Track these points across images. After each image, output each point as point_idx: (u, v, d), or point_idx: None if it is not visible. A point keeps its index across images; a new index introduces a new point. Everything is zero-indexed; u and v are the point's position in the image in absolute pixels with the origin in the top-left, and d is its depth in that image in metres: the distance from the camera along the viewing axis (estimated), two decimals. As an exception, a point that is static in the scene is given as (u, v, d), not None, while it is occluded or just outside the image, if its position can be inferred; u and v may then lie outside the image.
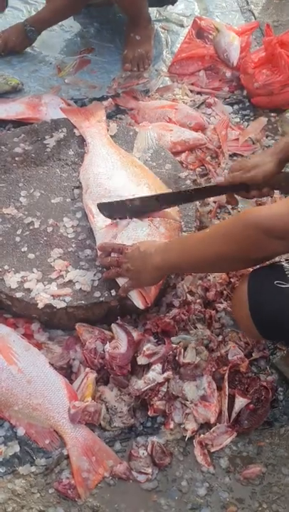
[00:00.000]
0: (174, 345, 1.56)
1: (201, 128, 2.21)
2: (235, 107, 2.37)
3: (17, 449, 1.47)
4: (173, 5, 2.73)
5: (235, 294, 1.51)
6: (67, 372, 1.58)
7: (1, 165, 1.92)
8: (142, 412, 1.52)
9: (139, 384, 1.49)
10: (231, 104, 2.38)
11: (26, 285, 1.60)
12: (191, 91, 2.41)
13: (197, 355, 1.55)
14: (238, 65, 2.43)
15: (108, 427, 1.49)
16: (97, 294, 1.59)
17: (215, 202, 1.98)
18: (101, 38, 2.67)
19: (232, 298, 1.60)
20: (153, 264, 1.48)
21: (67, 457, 1.45)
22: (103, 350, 1.54)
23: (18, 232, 1.74)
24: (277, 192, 2.03)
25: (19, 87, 2.41)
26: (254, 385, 1.53)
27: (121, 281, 1.56)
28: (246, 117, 2.33)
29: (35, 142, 1.99)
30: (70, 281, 1.62)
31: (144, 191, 1.75)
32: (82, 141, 1.99)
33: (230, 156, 2.16)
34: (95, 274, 1.63)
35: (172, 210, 1.75)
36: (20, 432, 1.49)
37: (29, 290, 1.60)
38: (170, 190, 1.80)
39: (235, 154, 2.18)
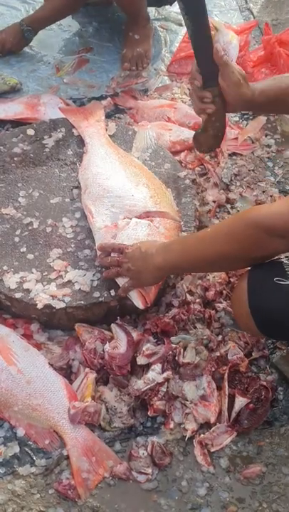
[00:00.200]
0: (173, 345, 1.56)
1: (200, 127, 2.21)
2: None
3: (17, 449, 1.46)
4: (171, 4, 2.73)
5: (234, 292, 1.51)
6: (67, 373, 1.58)
7: (0, 165, 1.91)
8: (142, 412, 1.52)
9: (139, 384, 1.49)
10: (230, 104, 2.37)
11: (25, 285, 1.60)
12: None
13: (197, 354, 1.55)
14: (237, 63, 2.40)
15: (108, 427, 1.49)
16: (96, 294, 1.59)
17: (214, 202, 1.98)
18: (100, 37, 2.67)
19: (231, 296, 1.60)
20: (154, 264, 1.48)
21: (67, 458, 1.45)
22: (103, 351, 1.54)
23: (17, 232, 1.73)
24: (276, 191, 2.04)
25: (18, 87, 2.40)
26: (254, 385, 1.53)
27: (121, 281, 1.56)
28: (245, 116, 2.33)
29: (33, 142, 1.99)
30: (70, 281, 1.62)
31: (143, 191, 1.75)
32: (81, 141, 1.99)
33: (229, 155, 2.16)
34: (94, 274, 1.63)
35: (171, 210, 1.75)
36: (20, 432, 1.48)
37: (28, 290, 1.60)
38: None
39: (234, 153, 2.18)
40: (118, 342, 1.54)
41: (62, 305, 1.56)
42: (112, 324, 1.59)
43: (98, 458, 1.44)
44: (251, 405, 1.49)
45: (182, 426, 1.50)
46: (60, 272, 1.64)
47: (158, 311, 1.67)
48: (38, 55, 2.58)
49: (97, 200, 1.73)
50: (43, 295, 1.58)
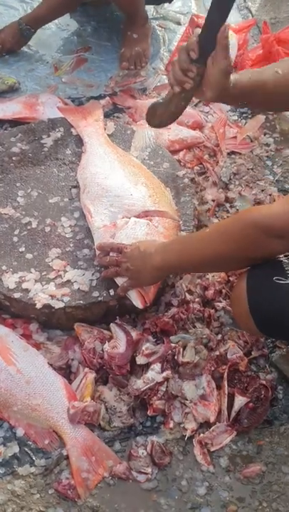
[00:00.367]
0: (173, 345, 1.55)
1: (198, 126, 2.21)
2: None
3: (16, 449, 1.46)
4: (170, 3, 2.72)
5: (233, 291, 1.50)
6: (66, 373, 1.58)
7: (-1, 165, 1.92)
8: (142, 412, 1.52)
9: (139, 383, 1.49)
10: (229, 102, 2.37)
11: (24, 285, 1.60)
12: (189, 89, 2.40)
13: (196, 354, 1.55)
14: (236, 62, 2.42)
15: (107, 427, 1.49)
16: (95, 293, 1.59)
17: (213, 200, 1.98)
18: (98, 36, 2.67)
19: (231, 295, 1.60)
20: (153, 264, 1.47)
21: (67, 457, 1.45)
22: (102, 350, 1.54)
23: (16, 232, 1.73)
24: (275, 190, 2.03)
25: (16, 87, 2.40)
26: (253, 384, 1.53)
27: (120, 281, 1.56)
28: (244, 115, 2.33)
29: (32, 142, 1.99)
30: (69, 281, 1.61)
31: (142, 190, 1.75)
32: (79, 141, 1.98)
33: (228, 154, 2.16)
34: (93, 274, 1.63)
35: (170, 209, 1.75)
36: (20, 432, 1.48)
37: (27, 290, 1.59)
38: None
39: (233, 152, 2.18)
40: (117, 341, 1.54)
41: (62, 305, 1.56)
42: (112, 324, 1.59)
43: (98, 458, 1.44)
44: (251, 404, 1.49)
45: (182, 425, 1.49)
46: (59, 271, 1.64)
47: (157, 311, 1.67)
48: (36, 54, 2.58)
49: (95, 199, 1.73)
50: (42, 295, 1.58)
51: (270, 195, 2.02)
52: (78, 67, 2.54)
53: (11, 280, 1.61)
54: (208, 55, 1.44)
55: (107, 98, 2.34)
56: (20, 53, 2.56)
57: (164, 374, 1.51)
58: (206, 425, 1.50)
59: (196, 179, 2.03)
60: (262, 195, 2.02)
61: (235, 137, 2.21)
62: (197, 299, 1.69)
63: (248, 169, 2.12)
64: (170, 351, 1.54)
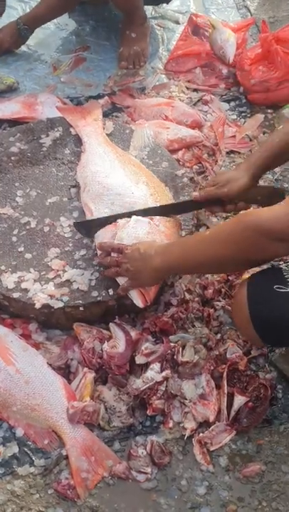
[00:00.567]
0: (172, 344, 1.55)
1: (197, 125, 2.21)
2: (232, 103, 2.36)
3: (16, 449, 1.46)
4: (168, 3, 2.72)
5: (234, 300, 1.51)
6: (66, 372, 1.58)
7: (-3, 165, 1.91)
8: (141, 412, 1.52)
9: (138, 383, 1.49)
10: (228, 101, 2.37)
11: (23, 285, 1.60)
12: (188, 88, 2.40)
13: (195, 353, 1.55)
14: (235, 61, 2.42)
15: (107, 427, 1.49)
16: (94, 293, 1.59)
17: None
18: (97, 36, 2.66)
19: (232, 304, 1.60)
20: (152, 265, 1.48)
21: (66, 457, 1.45)
22: (101, 350, 1.53)
23: (15, 232, 1.73)
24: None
25: (15, 86, 2.40)
26: (253, 383, 1.53)
27: (121, 281, 1.56)
28: (243, 114, 2.33)
29: (31, 141, 1.98)
30: (68, 280, 1.61)
31: (143, 189, 1.75)
32: (78, 140, 1.98)
33: (227, 153, 2.16)
34: (92, 274, 1.62)
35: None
36: (19, 432, 1.48)
37: (26, 290, 1.59)
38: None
39: (232, 151, 2.17)
40: (117, 341, 1.54)
41: (61, 304, 1.56)
42: (111, 323, 1.59)
43: (97, 457, 1.43)
44: (250, 404, 1.49)
45: (181, 425, 1.49)
46: (58, 271, 1.63)
47: (156, 310, 1.67)
48: (34, 54, 2.58)
49: (96, 198, 1.73)
50: (41, 295, 1.57)
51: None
52: (77, 66, 2.54)
53: (10, 280, 1.61)
54: (217, 202, 1.67)
55: (106, 97, 2.34)
56: (18, 53, 2.56)
57: (164, 373, 1.51)
58: (205, 425, 1.49)
59: (195, 178, 2.03)
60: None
61: (234, 136, 2.21)
62: (196, 299, 1.69)
63: (247, 168, 2.11)
64: (169, 351, 1.54)
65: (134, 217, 1.65)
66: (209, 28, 2.51)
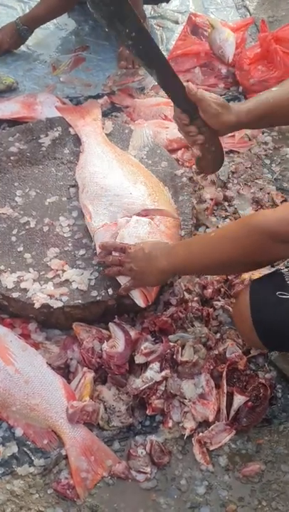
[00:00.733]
0: (171, 344, 1.55)
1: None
2: (231, 103, 2.35)
3: (15, 449, 1.46)
4: (167, 2, 2.72)
5: (236, 306, 1.52)
6: (65, 372, 1.58)
7: (-3, 164, 1.91)
8: (141, 411, 1.51)
9: (137, 383, 1.49)
10: (227, 101, 2.35)
11: (23, 285, 1.60)
12: (187, 88, 2.40)
13: (195, 353, 1.55)
14: (234, 61, 2.42)
15: (106, 427, 1.49)
16: (94, 293, 1.59)
17: (212, 199, 1.97)
18: (96, 35, 2.67)
19: (233, 310, 1.60)
20: (158, 267, 1.48)
21: (66, 457, 1.44)
22: (101, 350, 1.53)
23: (14, 231, 1.73)
24: (273, 188, 2.03)
25: (14, 86, 2.40)
26: (252, 383, 1.53)
27: (122, 280, 1.55)
28: (242, 114, 2.32)
29: (30, 141, 1.98)
30: (67, 280, 1.61)
31: (141, 189, 1.75)
32: (77, 140, 1.98)
33: (226, 152, 2.15)
34: (91, 273, 1.62)
35: (170, 208, 1.75)
36: (19, 432, 1.48)
37: (26, 290, 1.59)
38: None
39: (231, 151, 2.17)
40: (116, 341, 1.54)
41: (60, 304, 1.56)
42: (110, 323, 1.59)
43: (97, 457, 1.43)
44: (250, 403, 1.49)
45: (181, 424, 1.49)
46: (57, 271, 1.63)
47: (156, 310, 1.67)
48: (34, 53, 2.58)
49: (95, 199, 1.73)
50: (41, 294, 1.57)
51: (268, 193, 2.02)
52: (76, 66, 2.54)
53: (9, 280, 1.61)
54: (196, 108, 1.55)
55: (105, 97, 2.34)
56: (18, 53, 2.56)
57: (163, 373, 1.51)
58: (205, 424, 1.49)
59: (194, 178, 2.03)
60: (260, 194, 2.02)
61: (233, 136, 2.21)
62: (196, 298, 1.68)
63: (246, 168, 2.12)
64: (169, 350, 1.54)
65: (134, 217, 1.65)
66: (208, 27, 2.51)
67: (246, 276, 1.69)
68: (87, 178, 1.80)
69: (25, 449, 1.47)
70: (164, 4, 2.76)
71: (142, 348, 1.53)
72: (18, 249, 1.69)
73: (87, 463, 1.42)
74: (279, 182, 2.09)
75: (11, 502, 1.39)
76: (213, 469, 1.45)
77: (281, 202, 1.99)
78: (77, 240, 1.71)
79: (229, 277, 1.74)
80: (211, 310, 1.67)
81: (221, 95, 2.36)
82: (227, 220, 1.94)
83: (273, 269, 1.49)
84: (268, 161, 2.16)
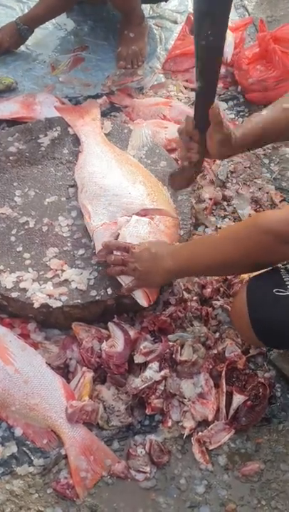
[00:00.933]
0: (170, 343, 1.55)
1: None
2: (230, 103, 2.37)
3: (14, 449, 1.46)
4: (166, 1, 2.72)
5: (234, 304, 1.52)
6: (64, 372, 1.58)
7: (-4, 164, 1.91)
8: (140, 411, 1.52)
9: (137, 382, 1.49)
10: (226, 101, 2.37)
11: (22, 285, 1.60)
12: (186, 88, 2.40)
13: (194, 352, 1.55)
14: (232, 61, 2.42)
15: (106, 426, 1.49)
16: (93, 292, 1.59)
17: (211, 199, 1.97)
18: (95, 35, 2.66)
19: (231, 309, 1.60)
20: (165, 268, 1.48)
21: (65, 457, 1.45)
22: (100, 349, 1.54)
23: (13, 231, 1.73)
24: (272, 188, 2.03)
25: (13, 86, 2.39)
26: (252, 382, 1.53)
27: (125, 279, 1.55)
28: (241, 113, 2.33)
29: (29, 141, 1.98)
30: (66, 280, 1.61)
31: (140, 189, 1.75)
32: (76, 140, 1.98)
33: (225, 152, 2.15)
34: (90, 273, 1.62)
35: (169, 207, 1.75)
36: (18, 432, 1.48)
37: (25, 290, 1.59)
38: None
39: (230, 151, 2.17)
40: (115, 340, 1.54)
41: (59, 304, 1.56)
42: (109, 323, 1.59)
43: (96, 457, 1.44)
44: (249, 402, 1.49)
45: (180, 424, 1.49)
46: (56, 270, 1.63)
47: (155, 309, 1.67)
48: (33, 53, 2.58)
49: (94, 199, 1.73)
50: (40, 294, 1.57)
51: (267, 193, 2.02)
52: (75, 66, 2.54)
53: (8, 280, 1.61)
54: (206, 126, 1.50)
55: (104, 97, 2.34)
56: (17, 53, 2.56)
57: (162, 373, 1.51)
58: (204, 423, 1.50)
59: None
60: (259, 194, 2.02)
61: (232, 135, 2.21)
62: (195, 298, 1.69)
63: (245, 167, 2.12)
64: (168, 350, 1.54)
65: (134, 216, 1.65)
66: (207, 27, 2.50)
67: (245, 276, 1.69)
68: (86, 178, 1.80)
69: (24, 448, 1.47)
70: (162, 4, 2.76)
71: (141, 347, 1.53)
72: (18, 249, 1.69)
73: (87, 462, 1.42)
74: (278, 181, 2.09)
75: (10, 502, 1.39)
76: (212, 468, 1.45)
77: (280, 201, 1.99)
78: (76, 240, 1.71)
79: (228, 277, 1.74)
80: (210, 309, 1.67)
81: (219, 95, 2.38)
82: (226, 219, 1.94)
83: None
84: (266, 161, 2.16)
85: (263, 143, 1.63)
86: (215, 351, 1.58)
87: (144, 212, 1.69)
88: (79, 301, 1.57)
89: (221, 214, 1.95)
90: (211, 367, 1.55)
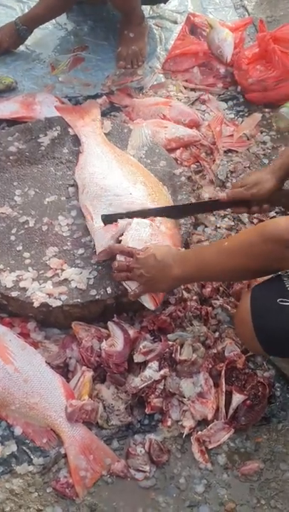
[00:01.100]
0: (170, 343, 1.55)
1: (195, 124, 2.21)
2: (230, 103, 2.37)
3: (14, 448, 1.46)
4: (165, 3, 2.72)
5: (238, 313, 1.53)
6: (64, 371, 1.58)
7: (-4, 164, 1.92)
8: (139, 410, 1.52)
9: (136, 382, 1.49)
10: (225, 101, 2.37)
11: (22, 284, 1.60)
12: (185, 88, 2.41)
13: (194, 352, 1.55)
14: (232, 61, 2.42)
15: (105, 425, 1.49)
16: (92, 292, 1.59)
17: (210, 198, 1.97)
18: (95, 35, 2.67)
19: (234, 317, 1.60)
20: (172, 275, 1.48)
21: (65, 456, 1.45)
22: (100, 349, 1.54)
23: (13, 231, 1.73)
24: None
25: (13, 86, 2.40)
26: (251, 381, 1.53)
27: (131, 286, 1.54)
28: (241, 113, 2.33)
29: (29, 141, 1.99)
30: (66, 279, 1.61)
31: (141, 189, 1.75)
32: (76, 139, 1.98)
33: (224, 152, 2.16)
34: (90, 272, 1.63)
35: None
36: (18, 431, 1.48)
37: (25, 289, 1.59)
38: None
39: (229, 150, 2.18)
40: (115, 340, 1.54)
41: (59, 303, 1.56)
42: (109, 322, 1.59)
43: (96, 456, 1.44)
44: (248, 402, 1.49)
45: (179, 423, 1.50)
46: (56, 270, 1.64)
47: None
48: (33, 53, 2.58)
49: (95, 199, 1.73)
50: (40, 293, 1.58)
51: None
52: (75, 66, 2.54)
53: (8, 279, 1.61)
54: (243, 203, 1.69)
55: (104, 97, 2.34)
56: (17, 53, 2.56)
57: (162, 372, 1.51)
58: (203, 423, 1.50)
59: (193, 177, 2.03)
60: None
61: (231, 135, 2.21)
62: (194, 297, 1.69)
63: (244, 167, 2.12)
64: (167, 349, 1.54)
65: (134, 219, 1.65)
66: (207, 27, 2.51)
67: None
68: (86, 179, 1.80)
69: (24, 447, 1.47)
70: (162, 4, 2.76)
71: (141, 346, 1.53)
72: (17, 249, 1.69)
73: (86, 461, 1.43)
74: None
75: (10, 501, 1.39)
76: (212, 468, 1.45)
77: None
78: (76, 239, 1.71)
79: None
80: (209, 309, 1.67)
81: (219, 95, 2.38)
82: (225, 219, 1.94)
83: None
84: (266, 161, 2.16)
85: None
86: (214, 351, 1.58)
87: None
88: (79, 300, 1.58)
89: (220, 214, 1.95)
90: (210, 366, 1.55)
